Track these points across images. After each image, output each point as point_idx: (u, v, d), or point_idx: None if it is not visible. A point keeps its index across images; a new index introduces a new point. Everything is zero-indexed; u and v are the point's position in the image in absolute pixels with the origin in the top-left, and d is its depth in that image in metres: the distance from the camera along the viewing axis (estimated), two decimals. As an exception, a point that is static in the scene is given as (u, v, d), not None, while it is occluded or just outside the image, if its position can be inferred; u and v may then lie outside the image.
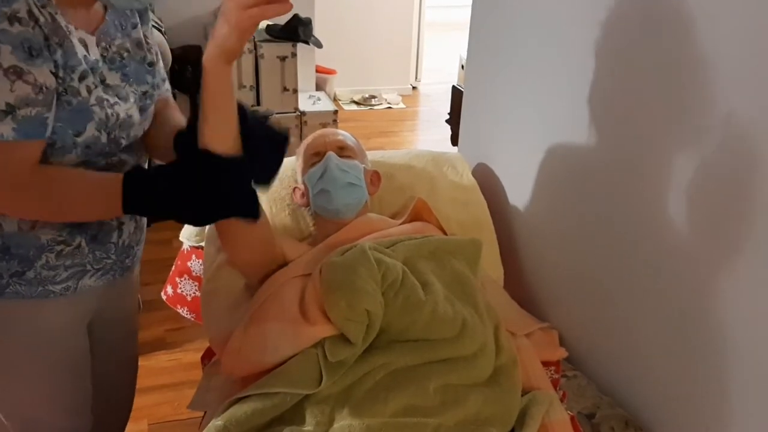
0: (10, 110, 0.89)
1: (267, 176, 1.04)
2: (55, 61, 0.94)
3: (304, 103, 3.61)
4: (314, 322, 1.11)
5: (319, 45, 3.54)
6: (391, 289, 1.13)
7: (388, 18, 5.33)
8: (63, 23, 0.95)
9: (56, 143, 0.96)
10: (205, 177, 0.95)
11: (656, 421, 1.22)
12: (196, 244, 1.55)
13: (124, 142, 1.08)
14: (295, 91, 3.41)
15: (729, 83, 0.98)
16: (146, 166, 1.19)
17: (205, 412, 1.23)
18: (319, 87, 4.23)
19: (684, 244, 1.11)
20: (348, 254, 1.16)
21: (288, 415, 1.03)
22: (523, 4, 1.51)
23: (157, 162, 1.09)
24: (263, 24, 3.25)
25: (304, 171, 1.39)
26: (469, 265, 1.30)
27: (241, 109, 1.01)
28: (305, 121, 3.49)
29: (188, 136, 0.99)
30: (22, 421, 1.20)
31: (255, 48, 3.24)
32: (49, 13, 0.93)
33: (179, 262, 1.60)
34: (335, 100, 5.11)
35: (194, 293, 1.55)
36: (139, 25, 1.13)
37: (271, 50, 3.26)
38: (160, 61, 1.20)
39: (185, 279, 1.56)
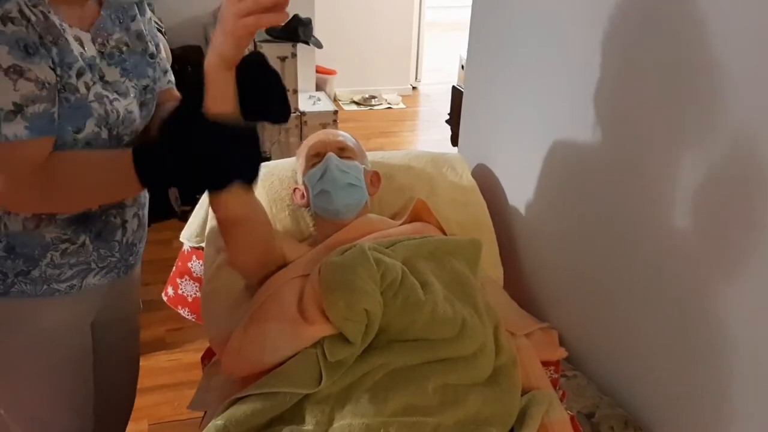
0: (18, 109, 0.90)
1: (280, 113, 1.07)
2: (52, 59, 0.94)
3: (304, 104, 3.61)
4: (313, 321, 1.11)
5: (319, 45, 3.54)
6: (390, 289, 1.13)
7: (388, 18, 5.33)
8: (56, 21, 0.95)
9: (56, 140, 0.97)
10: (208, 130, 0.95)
11: (656, 421, 1.22)
12: (197, 245, 1.55)
13: (126, 139, 1.08)
14: (295, 91, 3.41)
15: (729, 83, 0.98)
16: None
17: (205, 412, 1.24)
18: (319, 87, 4.23)
19: (684, 245, 1.11)
20: (347, 254, 1.16)
21: (288, 414, 1.03)
22: (523, 4, 1.52)
23: None
24: (263, 24, 3.25)
25: (305, 172, 1.39)
26: (469, 266, 1.30)
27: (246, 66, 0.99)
28: (305, 122, 3.50)
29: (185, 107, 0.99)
30: (25, 420, 1.20)
31: (255, 48, 3.24)
32: (42, 12, 0.93)
33: (180, 263, 1.60)
34: (335, 100, 5.11)
35: (195, 294, 1.55)
36: (138, 16, 1.13)
37: (271, 50, 3.26)
38: (162, 53, 1.20)
39: (186, 280, 1.57)
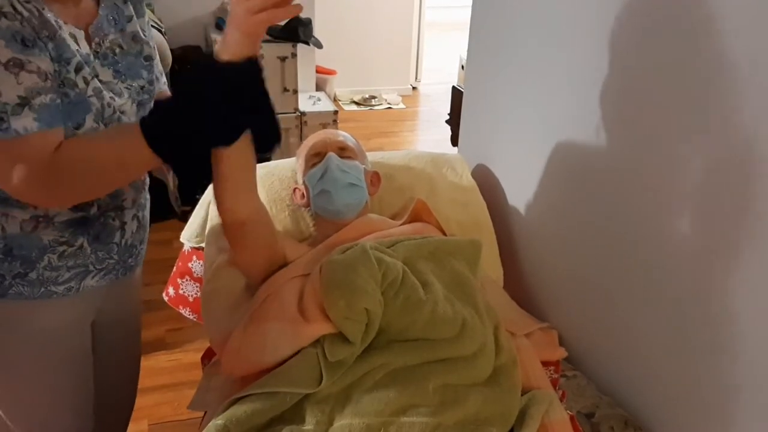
0: (25, 102, 0.88)
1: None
2: (49, 53, 0.93)
3: (304, 104, 3.61)
4: (312, 320, 1.11)
5: (319, 45, 3.54)
6: (391, 289, 1.13)
7: (388, 18, 5.33)
8: (51, 18, 0.95)
9: None
10: (215, 77, 0.91)
11: (656, 420, 1.22)
12: (197, 245, 1.55)
13: None
14: (295, 91, 3.41)
15: (729, 83, 0.98)
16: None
17: (205, 412, 1.23)
18: (319, 87, 4.23)
19: (684, 245, 1.11)
20: (348, 253, 1.16)
21: (288, 414, 1.03)
22: (523, 4, 1.52)
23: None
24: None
25: (305, 172, 1.39)
26: (469, 266, 1.30)
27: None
28: (305, 122, 3.50)
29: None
30: (25, 420, 1.20)
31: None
32: (36, 8, 0.92)
33: (180, 263, 1.60)
34: (335, 100, 5.11)
35: (196, 294, 1.55)
36: (135, 18, 1.12)
37: (271, 51, 3.26)
38: (157, 56, 1.19)
39: (186, 280, 1.57)
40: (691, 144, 1.07)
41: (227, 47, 0.91)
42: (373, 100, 5.39)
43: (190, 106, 0.92)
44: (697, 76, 1.04)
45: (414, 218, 1.44)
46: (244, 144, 1.00)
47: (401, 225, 1.40)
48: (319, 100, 3.81)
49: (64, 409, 1.23)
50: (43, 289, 1.08)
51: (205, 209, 1.52)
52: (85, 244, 1.10)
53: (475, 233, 1.53)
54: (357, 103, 5.38)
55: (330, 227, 1.35)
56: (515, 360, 1.20)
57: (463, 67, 3.42)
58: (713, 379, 1.08)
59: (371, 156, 1.55)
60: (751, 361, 1.01)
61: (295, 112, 3.43)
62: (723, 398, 1.07)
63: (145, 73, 1.12)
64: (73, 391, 1.23)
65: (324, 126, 3.44)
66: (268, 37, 3.30)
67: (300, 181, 1.43)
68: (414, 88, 5.81)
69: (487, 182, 1.69)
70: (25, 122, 0.89)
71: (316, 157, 1.39)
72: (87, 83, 0.98)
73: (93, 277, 1.13)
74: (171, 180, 1.24)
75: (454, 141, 3.26)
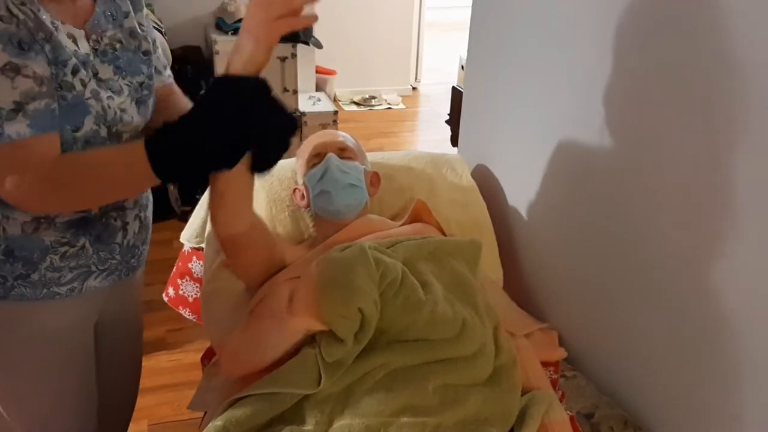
0: (19, 108, 0.88)
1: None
2: (46, 55, 0.92)
3: (304, 104, 3.62)
4: (298, 314, 1.11)
5: (319, 46, 3.54)
6: (390, 289, 1.13)
7: (388, 18, 5.33)
8: (48, 19, 0.94)
9: None
10: (223, 96, 0.90)
11: (655, 421, 1.22)
12: (197, 246, 1.55)
13: (126, 136, 1.07)
14: (295, 91, 3.42)
15: (730, 83, 0.98)
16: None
17: (205, 413, 1.24)
18: (319, 88, 4.24)
19: (684, 245, 1.11)
20: (347, 251, 1.16)
21: (288, 415, 1.03)
22: (523, 4, 1.52)
23: None
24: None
25: (305, 172, 1.39)
26: (469, 266, 1.30)
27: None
28: (305, 122, 3.50)
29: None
30: (26, 420, 1.20)
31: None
32: (31, 10, 0.92)
33: (180, 264, 1.60)
34: (335, 100, 5.11)
35: (196, 294, 1.55)
36: (132, 13, 1.11)
37: (271, 51, 3.26)
38: (159, 50, 1.18)
39: (186, 280, 1.57)
40: (692, 144, 1.07)
41: (242, 56, 0.90)
42: (373, 100, 5.39)
43: (200, 132, 0.90)
44: (698, 76, 1.04)
45: (414, 219, 1.44)
46: (241, 164, 0.98)
47: (401, 225, 1.40)
48: (319, 100, 3.81)
49: (67, 409, 1.23)
50: (45, 290, 1.08)
51: (205, 209, 1.52)
52: (87, 245, 1.09)
53: (474, 233, 1.53)
54: (357, 104, 5.38)
55: (330, 228, 1.35)
56: (515, 360, 1.20)
57: (463, 67, 3.42)
58: (713, 379, 1.09)
59: (371, 156, 1.55)
60: (751, 361, 1.01)
61: (295, 113, 3.44)
62: (723, 398, 1.07)
63: (144, 68, 1.12)
64: (76, 392, 1.23)
65: (324, 126, 3.44)
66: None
67: (300, 182, 1.43)
68: (414, 88, 5.81)
69: (486, 182, 1.69)
70: (18, 128, 0.88)
71: (316, 157, 1.39)
72: (84, 85, 0.98)
73: (96, 278, 1.13)
74: (171, 181, 1.23)
75: (454, 141, 3.26)
